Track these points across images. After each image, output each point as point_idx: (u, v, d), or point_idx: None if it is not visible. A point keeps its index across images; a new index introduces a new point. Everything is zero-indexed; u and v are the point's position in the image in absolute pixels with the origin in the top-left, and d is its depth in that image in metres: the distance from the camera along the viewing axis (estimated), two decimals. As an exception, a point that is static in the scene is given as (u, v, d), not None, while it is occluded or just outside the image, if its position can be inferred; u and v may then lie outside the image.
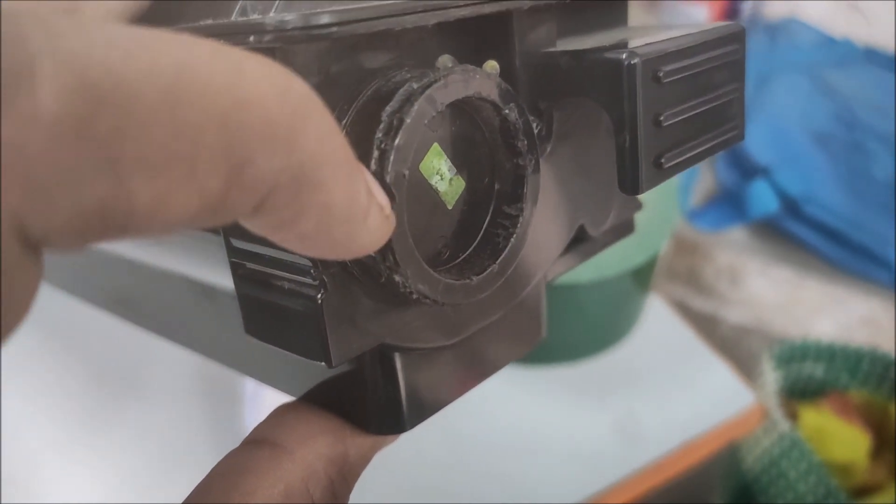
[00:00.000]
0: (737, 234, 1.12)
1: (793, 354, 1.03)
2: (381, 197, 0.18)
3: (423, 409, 0.25)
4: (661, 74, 0.22)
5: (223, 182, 0.14)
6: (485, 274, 0.22)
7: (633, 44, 0.23)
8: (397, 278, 0.20)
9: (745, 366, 0.85)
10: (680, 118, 0.23)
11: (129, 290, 0.36)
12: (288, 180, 0.15)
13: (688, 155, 0.24)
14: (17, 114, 0.12)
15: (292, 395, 0.27)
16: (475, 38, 0.21)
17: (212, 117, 0.14)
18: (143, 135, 0.13)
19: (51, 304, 0.54)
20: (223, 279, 0.27)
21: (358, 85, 0.20)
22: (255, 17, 0.20)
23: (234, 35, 0.18)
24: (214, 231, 0.23)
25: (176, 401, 0.69)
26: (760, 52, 1.25)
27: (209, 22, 0.21)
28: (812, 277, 1.11)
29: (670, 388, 0.76)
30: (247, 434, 0.65)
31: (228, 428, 0.68)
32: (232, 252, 0.23)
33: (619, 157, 0.23)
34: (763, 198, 1.08)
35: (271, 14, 0.19)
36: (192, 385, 0.71)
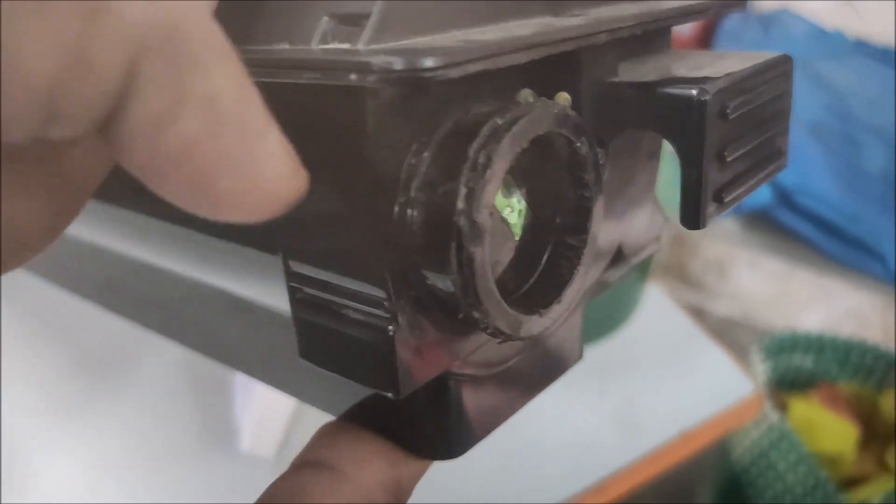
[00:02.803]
0: (729, 225, 1.13)
1: (782, 346, 1.04)
2: (276, 135, 0.15)
3: (474, 434, 0.25)
4: (728, 110, 0.22)
5: (78, 19, 0.12)
6: (552, 308, 0.22)
7: (696, 75, 0.23)
8: (476, 315, 0.20)
9: (731, 356, 0.86)
10: (740, 152, 0.23)
11: (118, 280, 0.36)
12: (160, 41, 0.13)
13: (743, 188, 0.24)
14: None
15: (316, 405, 0.27)
16: (546, 69, 0.21)
17: None
18: None
19: (38, 295, 0.53)
20: (224, 280, 0.27)
21: (435, 117, 0.20)
22: (339, 46, 0.19)
23: (331, 70, 0.17)
24: (271, 251, 0.23)
25: (165, 393, 0.69)
26: (753, 44, 1.25)
27: (286, 47, 0.20)
28: (800, 270, 1.11)
29: (669, 377, 0.76)
30: (236, 425, 0.65)
31: (218, 420, 0.68)
32: (291, 276, 0.22)
33: (683, 192, 0.22)
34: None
35: (360, 44, 0.19)
36: (182, 377, 0.70)
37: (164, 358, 0.70)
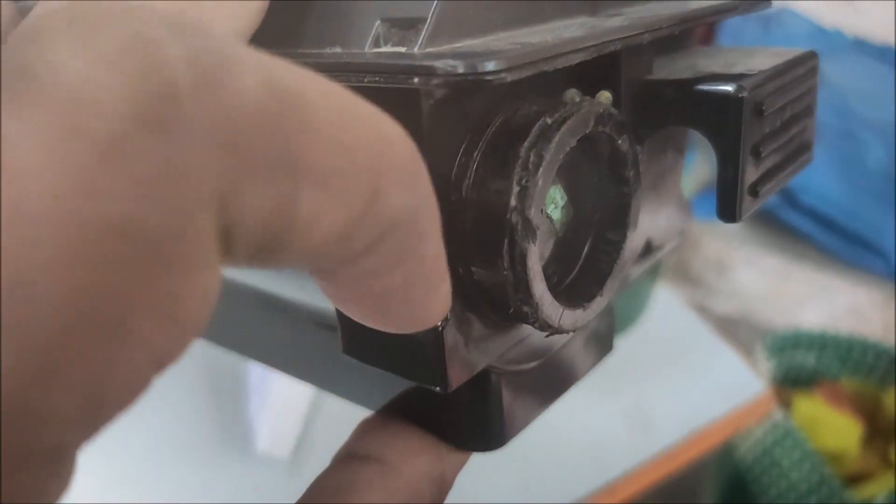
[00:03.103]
0: (730, 223, 1.12)
1: (784, 344, 1.04)
2: (447, 274, 0.18)
3: (515, 426, 0.25)
4: (763, 107, 0.22)
5: (363, 205, 0.14)
6: (595, 300, 0.22)
7: (731, 72, 0.23)
8: (526, 309, 0.20)
9: (738, 353, 0.86)
10: (774, 146, 0.24)
11: None
12: (407, 219, 0.15)
13: (775, 181, 0.24)
14: (225, 90, 0.12)
15: (351, 400, 0.27)
16: (589, 68, 0.21)
17: (364, 143, 0.14)
18: (316, 145, 0.13)
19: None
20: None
21: (484, 116, 0.20)
22: (394, 49, 0.19)
23: (393, 74, 0.18)
24: None
25: (181, 394, 0.69)
26: (753, 43, 1.26)
27: (339, 50, 0.20)
28: (799, 267, 1.12)
29: (679, 377, 0.77)
30: (251, 426, 0.65)
31: (233, 421, 0.68)
32: None
33: (720, 186, 0.23)
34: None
35: (415, 48, 0.19)
36: (197, 378, 0.71)
37: (179, 360, 0.70)
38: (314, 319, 0.26)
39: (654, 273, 0.77)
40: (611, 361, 0.75)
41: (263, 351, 0.31)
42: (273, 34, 0.21)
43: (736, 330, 1.07)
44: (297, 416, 0.67)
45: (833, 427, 0.97)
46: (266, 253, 0.14)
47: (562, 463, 0.68)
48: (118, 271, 0.11)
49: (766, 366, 0.98)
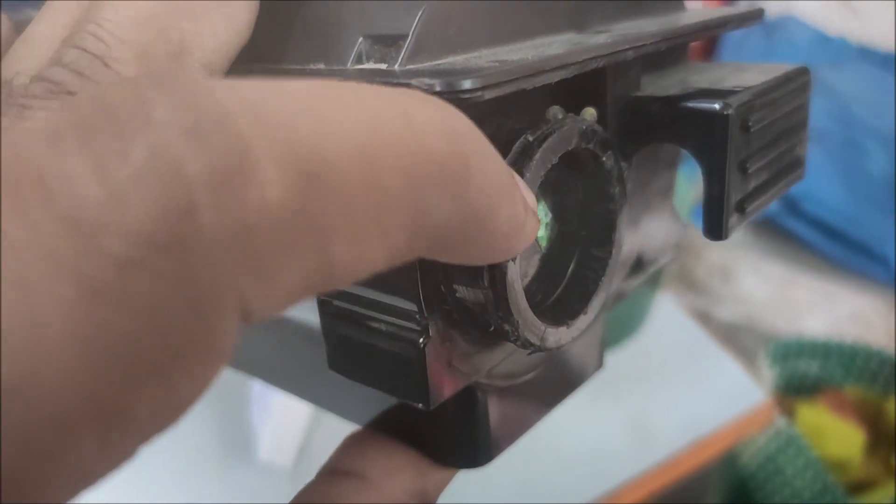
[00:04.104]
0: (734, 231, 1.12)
1: (788, 352, 1.04)
2: (531, 198, 0.18)
3: (500, 444, 0.25)
4: (749, 123, 0.22)
5: (408, 233, 0.14)
6: (579, 318, 0.22)
7: (718, 89, 0.23)
8: (507, 327, 0.20)
9: (739, 362, 0.86)
10: (761, 164, 0.24)
11: None
12: (460, 221, 0.15)
13: (764, 198, 0.24)
14: (244, 200, 0.12)
15: (340, 415, 0.27)
16: (573, 85, 0.21)
17: (396, 173, 0.14)
18: (345, 204, 0.13)
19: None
20: None
21: None
22: (375, 66, 0.20)
23: None
24: None
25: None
26: (757, 50, 1.26)
27: (322, 67, 0.21)
28: (803, 275, 1.12)
29: (680, 386, 0.76)
30: (253, 434, 0.64)
31: (236, 429, 0.68)
32: None
33: (706, 203, 0.23)
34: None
35: (396, 65, 0.19)
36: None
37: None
38: (302, 334, 0.26)
39: (654, 283, 0.77)
40: (612, 371, 0.75)
41: (256, 365, 0.31)
42: (258, 50, 0.21)
43: (740, 337, 1.06)
44: (299, 424, 0.67)
45: (836, 435, 0.97)
46: (306, 298, 0.14)
47: (563, 472, 0.67)
48: (125, 374, 0.11)
49: (770, 373, 0.98)
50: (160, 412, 0.12)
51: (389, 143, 0.14)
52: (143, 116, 0.12)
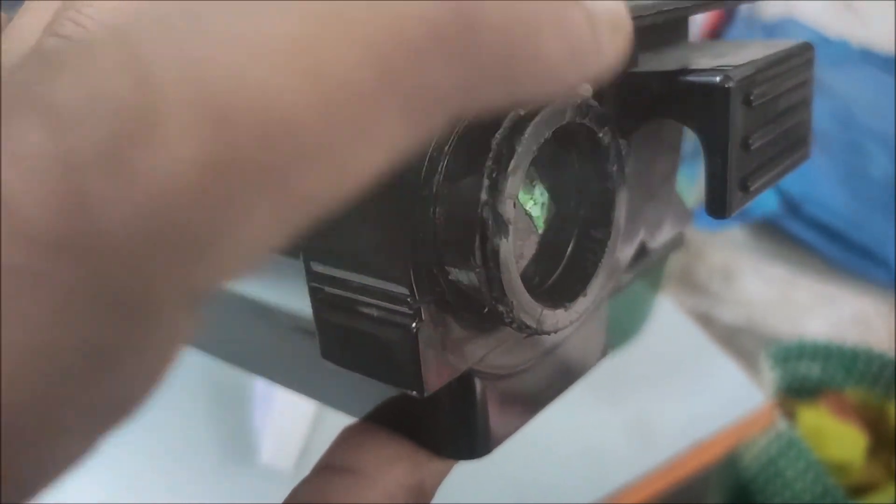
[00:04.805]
0: (736, 233, 1.12)
1: (789, 354, 1.04)
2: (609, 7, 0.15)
3: (499, 434, 0.24)
4: (752, 98, 0.22)
5: (409, 120, 0.12)
6: (577, 301, 0.22)
7: (718, 64, 0.22)
8: (501, 308, 0.19)
9: (739, 365, 0.85)
10: (765, 140, 0.23)
11: None
12: (479, 77, 0.12)
13: (768, 176, 0.24)
14: (146, 174, 0.10)
15: (338, 408, 0.27)
16: None
17: (366, 61, 0.11)
18: (295, 139, 0.11)
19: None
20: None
21: None
22: None
23: None
24: (290, 254, 0.23)
25: (184, 405, 0.68)
26: (757, 52, 1.26)
27: None
28: (804, 277, 1.11)
29: (681, 389, 0.76)
30: (255, 437, 0.64)
31: (237, 432, 0.68)
32: (311, 276, 0.22)
33: (708, 180, 0.22)
34: (762, 197, 1.08)
35: None
36: (201, 389, 0.70)
37: (182, 370, 0.70)
38: (294, 324, 0.25)
39: (655, 285, 0.77)
40: (612, 373, 0.75)
41: (253, 361, 0.31)
42: None
43: (741, 339, 1.06)
44: (301, 427, 0.66)
45: (838, 437, 0.97)
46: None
47: (562, 475, 0.67)
48: (48, 388, 0.10)
49: (771, 376, 0.97)
50: (103, 413, 0.11)
51: (345, 30, 0.11)
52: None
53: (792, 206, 1.10)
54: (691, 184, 1.04)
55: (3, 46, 0.20)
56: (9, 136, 0.10)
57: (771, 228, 1.14)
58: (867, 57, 1.32)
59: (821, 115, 1.19)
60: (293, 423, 0.66)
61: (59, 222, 0.10)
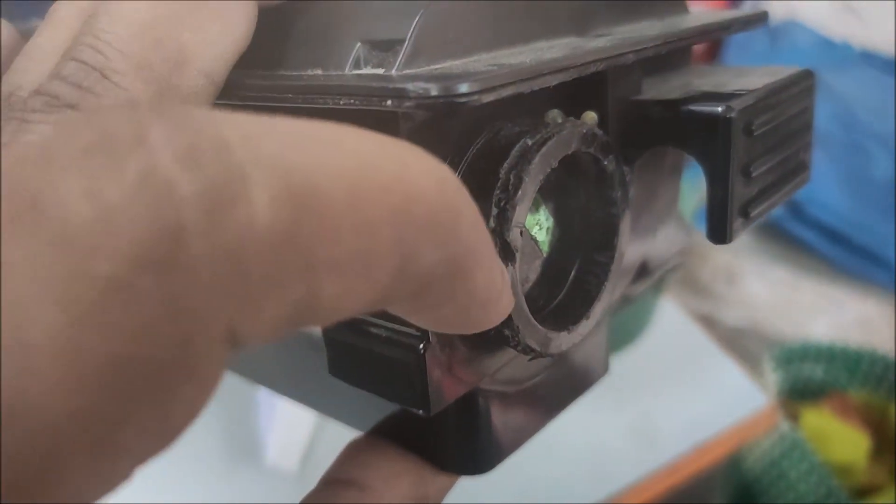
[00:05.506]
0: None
1: (792, 356, 1.04)
2: (507, 276, 0.18)
3: (503, 450, 0.25)
4: (752, 127, 0.22)
5: (392, 277, 0.14)
6: (581, 324, 0.22)
7: (721, 92, 0.23)
8: (507, 332, 0.20)
9: (742, 367, 0.86)
10: (765, 167, 0.23)
11: None
12: (444, 271, 0.15)
13: (768, 202, 0.24)
14: (234, 223, 0.12)
15: (342, 421, 0.27)
16: (574, 89, 0.21)
17: (386, 214, 0.14)
18: (334, 236, 0.13)
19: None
20: None
21: (465, 137, 0.20)
22: (373, 71, 0.20)
23: (368, 96, 0.18)
24: None
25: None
26: (761, 55, 1.25)
27: (320, 72, 0.20)
28: (808, 278, 1.11)
29: (683, 390, 0.76)
30: (260, 438, 0.64)
31: (242, 433, 0.68)
32: None
33: (709, 207, 0.23)
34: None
35: (393, 70, 0.19)
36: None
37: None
38: (304, 340, 0.26)
39: (657, 287, 0.77)
40: (615, 374, 0.75)
41: (259, 372, 0.31)
42: (257, 56, 0.21)
43: (745, 341, 1.06)
44: (306, 428, 0.67)
45: (841, 439, 0.97)
46: (291, 331, 0.14)
47: (566, 475, 0.67)
48: (113, 398, 0.11)
49: (774, 377, 0.97)
50: (151, 436, 0.12)
51: (382, 184, 0.14)
52: (137, 139, 0.12)
53: (794, 209, 1.10)
54: (693, 188, 1.04)
55: (21, 66, 0.20)
56: (142, 171, 0.12)
57: (774, 230, 1.14)
58: (869, 59, 1.32)
59: (823, 117, 1.19)
60: (297, 425, 0.66)
61: (158, 246, 0.11)
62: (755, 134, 0.22)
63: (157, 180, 0.12)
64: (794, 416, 0.97)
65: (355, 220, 0.13)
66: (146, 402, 0.12)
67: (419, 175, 0.14)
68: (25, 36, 0.24)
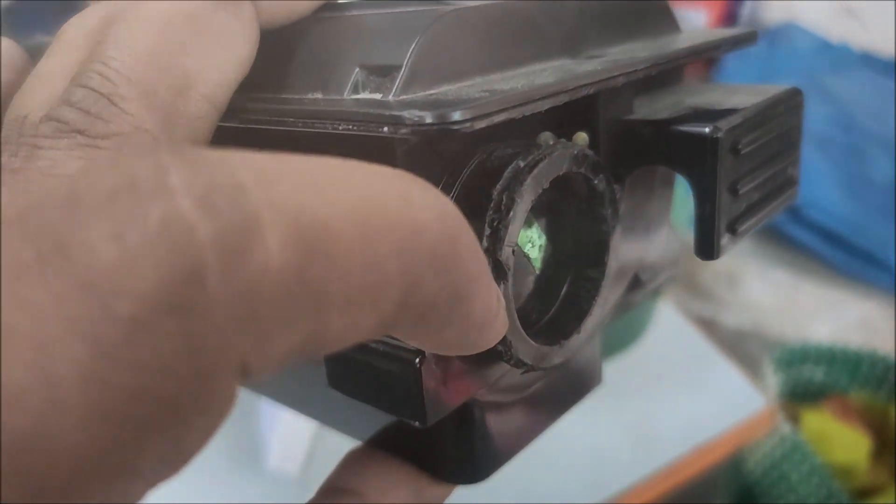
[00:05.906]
0: (738, 238, 1.12)
1: (793, 358, 1.04)
2: (502, 298, 0.19)
3: (498, 459, 0.26)
4: (739, 146, 0.23)
5: (396, 307, 0.15)
6: (572, 338, 0.23)
7: (708, 110, 0.23)
8: (500, 347, 0.21)
9: (742, 369, 0.86)
10: (752, 185, 0.24)
11: None
12: (444, 298, 0.16)
13: (756, 218, 0.25)
14: (250, 267, 0.13)
15: (342, 431, 0.28)
16: (565, 110, 0.22)
17: (393, 249, 0.14)
18: (344, 275, 0.14)
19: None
20: None
21: (459, 158, 0.21)
22: (371, 96, 0.20)
23: (365, 123, 0.19)
24: None
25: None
26: (759, 58, 1.26)
27: (320, 96, 0.21)
28: (809, 281, 1.11)
29: (682, 393, 0.77)
30: (262, 441, 0.64)
31: (244, 437, 0.69)
32: None
33: (697, 224, 0.23)
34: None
35: (391, 95, 0.20)
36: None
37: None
38: None
39: (654, 292, 0.78)
40: (615, 376, 0.75)
41: (262, 383, 0.32)
42: (259, 80, 0.22)
43: (747, 343, 1.06)
44: (307, 432, 0.67)
45: (842, 441, 0.97)
46: (298, 360, 0.15)
47: (565, 477, 0.68)
48: (132, 428, 0.12)
49: (775, 379, 0.98)
50: (164, 463, 0.13)
51: (389, 221, 0.14)
52: (159, 183, 0.12)
53: (794, 212, 1.11)
54: (688, 197, 1.05)
55: (29, 89, 0.21)
56: (163, 216, 0.12)
57: (774, 233, 1.14)
58: (868, 61, 1.32)
59: (822, 119, 1.19)
60: (299, 429, 0.67)
61: (178, 288, 0.12)
62: (742, 153, 0.23)
63: (177, 225, 0.12)
64: (795, 418, 0.97)
65: (364, 258, 0.14)
66: (162, 431, 0.13)
67: (422, 208, 0.15)
68: (29, 51, 0.24)
